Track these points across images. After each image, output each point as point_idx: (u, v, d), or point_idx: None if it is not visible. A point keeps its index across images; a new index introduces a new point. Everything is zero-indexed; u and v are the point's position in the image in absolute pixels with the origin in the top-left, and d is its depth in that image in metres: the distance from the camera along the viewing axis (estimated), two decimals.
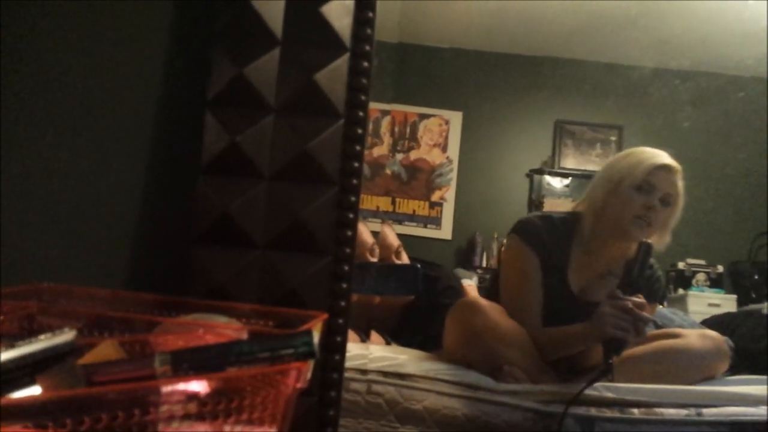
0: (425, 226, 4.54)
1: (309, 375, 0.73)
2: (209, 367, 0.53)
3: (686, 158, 4.93)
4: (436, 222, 4.55)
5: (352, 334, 1.65)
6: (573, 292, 1.71)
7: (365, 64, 1.01)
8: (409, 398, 1.41)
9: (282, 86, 1.01)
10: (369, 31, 1.02)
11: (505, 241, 1.86)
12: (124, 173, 1.05)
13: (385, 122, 4.53)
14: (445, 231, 4.42)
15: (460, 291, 2.16)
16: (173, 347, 0.67)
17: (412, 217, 4.55)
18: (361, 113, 1.01)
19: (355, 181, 1.00)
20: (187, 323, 0.74)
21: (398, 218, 4.50)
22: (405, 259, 2.14)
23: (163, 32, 1.09)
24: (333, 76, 1.01)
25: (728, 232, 4.39)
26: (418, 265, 1.93)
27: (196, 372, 0.53)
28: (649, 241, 1.54)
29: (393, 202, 4.53)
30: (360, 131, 1.00)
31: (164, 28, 1.09)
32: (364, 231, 2.07)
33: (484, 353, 1.52)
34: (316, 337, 0.65)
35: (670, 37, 4.15)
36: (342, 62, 1.01)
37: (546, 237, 1.71)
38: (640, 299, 1.45)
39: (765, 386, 1.51)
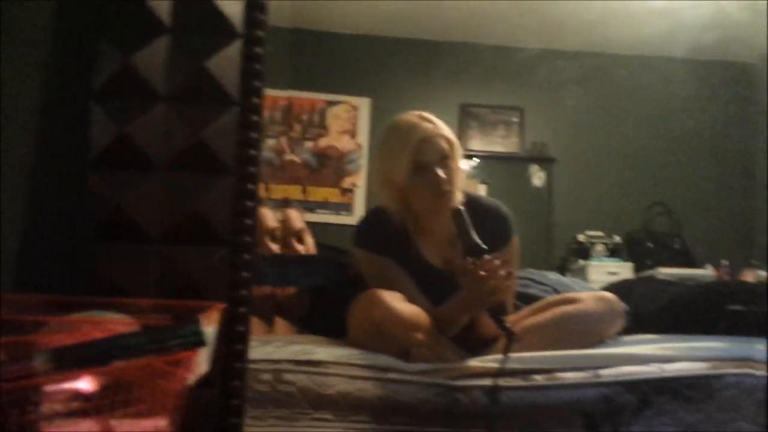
0: (337, 213, 4.55)
1: (204, 365, 0.73)
2: (94, 361, 0.52)
3: (579, 136, 5.14)
4: (348, 209, 4.56)
5: (257, 323, 1.64)
6: (438, 267, 1.76)
7: (258, 50, 1.00)
8: (322, 384, 1.41)
9: (172, 74, 0.99)
10: (261, 16, 1.01)
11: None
12: (8, 170, 1.00)
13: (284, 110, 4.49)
14: (357, 217, 4.44)
15: None
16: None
17: (324, 205, 4.55)
18: (256, 100, 1.00)
19: (252, 169, 0.99)
20: (74, 321, 0.72)
21: (310, 206, 4.48)
22: (309, 243, 2.13)
23: (46, 22, 1.04)
24: (225, 62, 0.99)
25: (623, 204, 4.64)
26: (328, 256, 1.94)
27: (80, 367, 0.52)
28: (459, 207, 1.55)
29: (304, 191, 4.51)
30: (256, 118, 0.99)
31: (47, 18, 1.05)
32: (268, 216, 2.06)
33: (390, 341, 1.54)
34: (206, 327, 0.65)
35: (557, 19, 4.33)
36: (234, 49, 1.00)
37: (383, 235, 1.74)
38: (488, 259, 1.47)
39: (655, 345, 1.61)
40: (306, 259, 2.00)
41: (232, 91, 0.99)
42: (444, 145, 1.69)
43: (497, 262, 1.48)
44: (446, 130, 1.72)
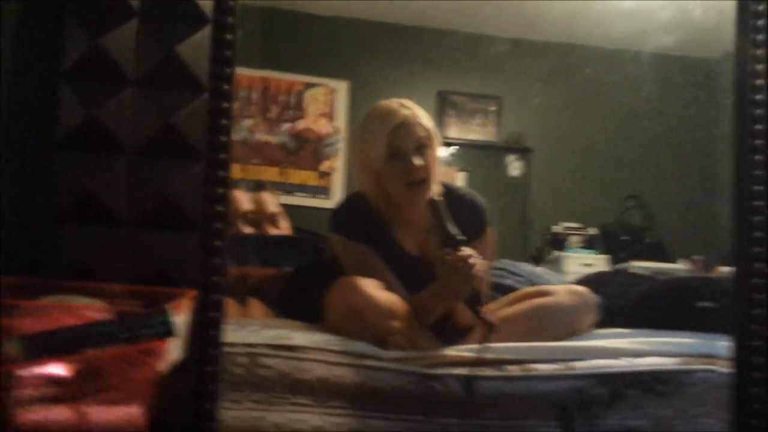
0: (314, 197, 4.53)
1: (178, 352, 0.73)
2: (66, 349, 0.52)
3: (556, 127, 5.14)
4: (326, 192, 4.54)
5: (231, 304, 1.64)
6: (415, 256, 1.77)
7: (228, 36, 0.99)
8: (299, 369, 1.42)
9: (141, 58, 0.97)
10: (231, 2, 0.99)
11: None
12: None
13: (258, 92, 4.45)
14: (335, 200, 4.42)
15: None
16: (32, 331, 0.64)
17: (302, 188, 4.52)
18: (226, 86, 0.99)
19: (223, 156, 0.99)
20: (46, 306, 0.71)
21: (288, 189, 4.45)
22: (283, 226, 2.11)
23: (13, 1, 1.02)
24: (195, 48, 0.98)
25: (599, 196, 4.69)
26: (306, 238, 1.93)
27: (50, 355, 0.52)
28: (435, 198, 1.57)
29: (281, 173, 4.48)
30: (226, 105, 0.98)
31: None
32: (242, 198, 2.04)
33: (367, 328, 1.54)
34: (178, 316, 0.65)
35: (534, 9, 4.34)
36: (204, 34, 0.99)
37: (360, 221, 1.74)
38: (463, 250, 1.48)
39: (627, 339, 1.64)
40: (284, 240, 1.99)
41: (202, 76, 0.98)
42: (421, 132, 1.69)
43: (472, 253, 1.49)
44: (425, 119, 1.72)
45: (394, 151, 1.66)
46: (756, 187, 1.18)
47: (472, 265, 1.46)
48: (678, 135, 4.67)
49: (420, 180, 1.67)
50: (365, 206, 1.76)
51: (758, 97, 1.17)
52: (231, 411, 1.32)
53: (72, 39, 0.96)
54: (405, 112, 1.69)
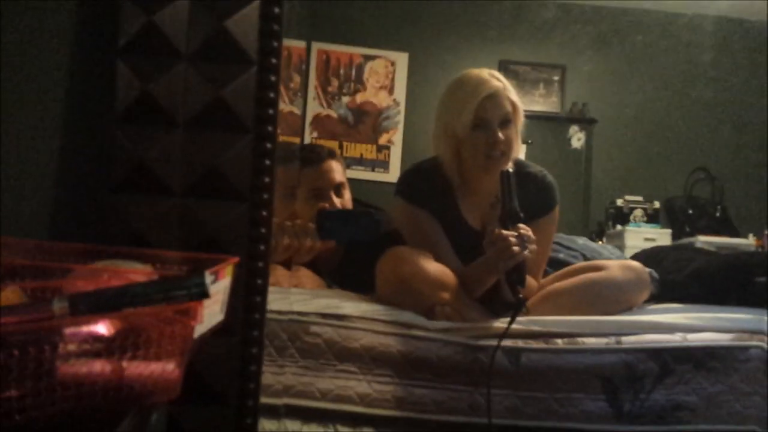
0: (373, 170, 4.57)
1: (219, 315, 0.77)
2: (105, 307, 0.57)
3: (621, 97, 5.01)
4: (384, 165, 4.58)
5: (280, 270, 1.69)
6: (475, 228, 1.77)
7: (276, 9, 1.02)
8: (347, 338, 1.46)
9: (193, 33, 1.01)
10: None
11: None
12: (40, 124, 1.05)
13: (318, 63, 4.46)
14: (393, 174, 4.45)
15: (402, 235, 2.20)
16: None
17: (360, 161, 4.57)
18: (273, 60, 1.02)
19: (269, 128, 1.02)
20: (97, 269, 0.76)
21: (347, 162, 4.48)
22: (346, 197, 2.15)
23: None
24: (244, 22, 1.01)
25: (664, 169, 4.54)
26: (372, 211, 1.95)
27: (93, 312, 0.56)
28: (509, 170, 1.56)
29: (341, 146, 4.53)
30: (273, 78, 1.01)
31: None
32: (336, 169, 2.08)
33: (415, 298, 1.58)
34: (217, 280, 0.69)
35: None
36: (253, 8, 1.02)
37: (426, 188, 1.76)
38: (519, 230, 1.50)
39: (679, 314, 1.61)
40: (348, 214, 2.02)
41: (251, 50, 1.01)
42: (508, 107, 1.69)
43: (525, 231, 1.50)
44: (513, 94, 1.72)
45: (480, 120, 1.67)
46: None
47: (511, 244, 1.47)
48: (737, 103, 4.46)
49: (500, 153, 1.67)
50: (436, 173, 1.78)
51: None
52: (279, 376, 1.38)
53: (127, 17, 1.01)
54: (496, 83, 1.69)
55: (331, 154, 2.16)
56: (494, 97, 1.67)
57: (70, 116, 1.07)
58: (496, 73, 1.74)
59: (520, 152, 1.84)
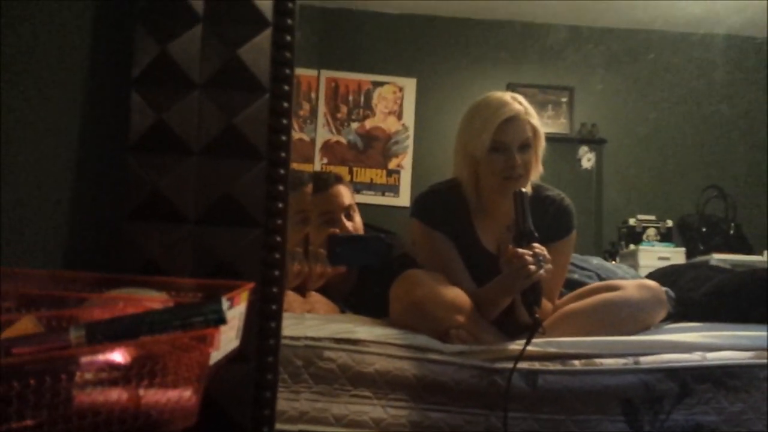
0: (383, 195, 4.58)
1: (235, 341, 0.77)
2: (122, 335, 0.57)
3: (630, 117, 4.99)
4: (394, 190, 4.59)
5: (293, 296, 1.69)
6: (490, 251, 1.77)
7: (288, 38, 1.03)
8: (361, 362, 1.45)
9: (206, 62, 1.02)
10: (290, 4, 1.03)
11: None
12: (55, 153, 1.06)
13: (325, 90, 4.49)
14: (403, 199, 4.46)
15: (413, 259, 2.20)
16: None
17: (370, 186, 4.58)
18: (286, 87, 1.03)
19: (283, 154, 1.03)
20: (113, 297, 0.77)
21: (356, 187, 4.52)
22: (357, 220, 2.16)
23: (86, 14, 1.09)
24: (256, 50, 1.03)
25: (676, 187, 4.52)
26: (382, 236, 1.96)
27: (109, 341, 0.56)
28: (522, 189, 1.56)
29: (350, 172, 4.55)
30: (286, 105, 1.03)
31: (87, 9, 1.10)
32: (344, 193, 2.09)
33: (429, 321, 1.57)
34: (235, 306, 0.69)
35: None
36: (265, 37, 1.03)
37: (442, 210, 1.75)
38: (533, 249, 1.49)
39: (698, 333, 1.59)
40: (357, 238, 2.03)
41: (263, 78, 1.02)
42: (528, 131, 1.69)
43: (541, 251, 1.49)
44: (535, 118, 1.72)
45: (499, 143, 1.66)
46: None
47: (528, 263, 1.46)
48: (750, 120, 4.44)
49: (518, 176, 1.67)
50: (452, 195, 1.77)
51: None
52: (294, 402, 1.37)
53: (141, 47, 1.02)
54: (516, 107, 1.69)
55: (338, 179, 2.18)
56: (514, 121, 1.67)
57: (84, 145, 1.08)
58: (519, 97, 1.75)
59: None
